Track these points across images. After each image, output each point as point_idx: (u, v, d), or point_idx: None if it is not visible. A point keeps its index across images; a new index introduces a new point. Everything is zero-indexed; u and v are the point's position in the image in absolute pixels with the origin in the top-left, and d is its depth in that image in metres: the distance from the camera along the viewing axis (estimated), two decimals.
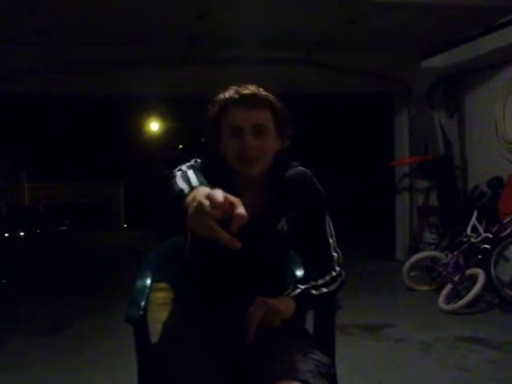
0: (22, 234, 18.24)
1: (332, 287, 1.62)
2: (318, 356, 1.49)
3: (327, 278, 1.62)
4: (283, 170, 1.67)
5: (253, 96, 1.56)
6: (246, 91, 1.57)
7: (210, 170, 1.56)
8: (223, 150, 1.61)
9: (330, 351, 1.64)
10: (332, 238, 1.67)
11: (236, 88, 1.59)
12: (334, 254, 1.67)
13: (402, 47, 6.51)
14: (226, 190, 1.43)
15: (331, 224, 1.69)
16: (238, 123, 1.55)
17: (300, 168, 1.70)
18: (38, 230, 19.55)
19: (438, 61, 6.86)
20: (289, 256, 1.78)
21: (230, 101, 1.56)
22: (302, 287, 1.57)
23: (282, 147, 1.66)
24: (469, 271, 5.18)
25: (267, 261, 1.66)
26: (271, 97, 1.60)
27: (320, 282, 1.61)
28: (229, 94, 1.58)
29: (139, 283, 1.83)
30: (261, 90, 1.61)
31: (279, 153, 1.66)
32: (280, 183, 1.65)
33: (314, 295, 1.57)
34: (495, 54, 5.98)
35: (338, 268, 1.66)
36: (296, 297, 1.54)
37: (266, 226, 1.62)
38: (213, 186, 1.33)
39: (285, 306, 1.51)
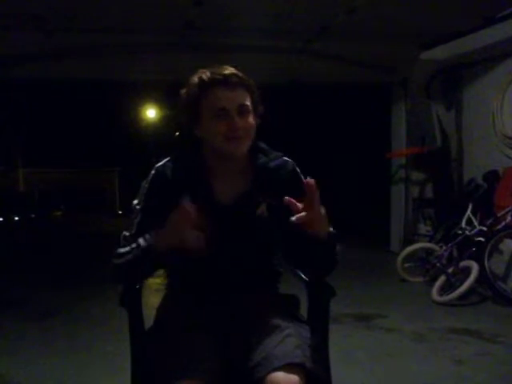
0: (16, 218, 18.22)
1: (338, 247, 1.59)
2: (312, 341, 1.50)
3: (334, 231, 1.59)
4: (265, 158, 1.67)
5: (235, 76, 1.55)
6: (227, 71, 1.55)
7: (183, 164, 1.62)
8: (204, 133, 1.59)
9: (323, 338, 1.64)
10: None
11: (211, 69, 1.56)
12: (330, 229, 1.61)
13: (401, 38, 6.49)
14: (200, 180, 1.59)
15: None
16: (224, 104, 1.53)
17: (283, 158, 1.70)
18: (33, 215, 19.53)
19: (437, 53, 6.84)
20: (277, 244, 1.70)
21: (212, 82, 1.53)
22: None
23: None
24: (462, 263, 5.20)
25: (250, 246, 1.64)
26: (246, 76, 1.59)
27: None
28: (207, 75, 1.55)
29: None
30: (234, 68, 1.59)
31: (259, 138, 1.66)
32: (261, 171, 1.64)
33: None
34: (494, 47, 5.97)
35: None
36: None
37: (245, 211, 1.60)
38: (187, 178, 1.58)
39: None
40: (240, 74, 1.57)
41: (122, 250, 1.57)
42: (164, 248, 1.47)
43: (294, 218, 1.41)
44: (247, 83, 1.58)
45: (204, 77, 1.55)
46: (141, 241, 1.52)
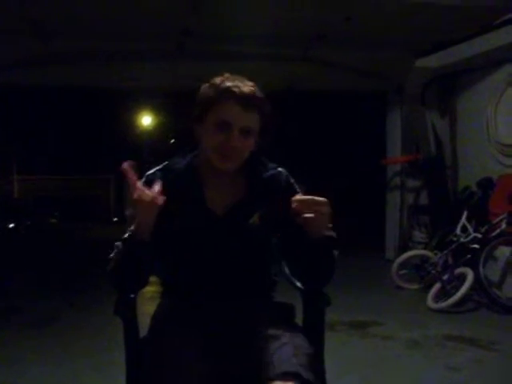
0: (11, 225, 18.12)
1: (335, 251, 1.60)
2: (308, 350, 1.49)
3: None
4: (260, 169, 1.67)
5: (252, 97, 1.53)
6: (246, 89, 1.52)
7: (175, 172, 1.63)
8: (203, 133, 1.59)
9: (319, 347, 1.64)
10: None
11: (236, 80, 1.55)
12: (332, 233, 1.62)
13: (396, 46, 6.54)
14: (193, 188, 1.61)
15: None
16: (230, 119, 1.52)
17: (278, 169, 1.70)
18: (28, 223, 19.45)
19: (432, 60, 6.89)
20: (272, 253, 1.71)
21: (229, 94, 1.52)
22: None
23: (257, 146, 1.64)
24: (457, 270, 5.21)
25: (243, 255, 1.64)
26: (264, 99, 1.57)
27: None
28: (229, 84, 1.53)
29: None
30: (257, 88, 1.57)
31: (257, 151, 1.66)
32: (255, 181, 1.65)
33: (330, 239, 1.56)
34: (488, 54, 6.01)
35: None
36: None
37: (238, 220, 1.61)
38: (178, 186, 1.58)
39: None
40: (259, 97, 1.55)
41: (111, 256, 1.58)
42: (144, 231, 1.48)
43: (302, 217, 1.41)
44: (262, 108, 1.56)
45: (226, 83, 1.54)
46: (125, 236, 1.53)
